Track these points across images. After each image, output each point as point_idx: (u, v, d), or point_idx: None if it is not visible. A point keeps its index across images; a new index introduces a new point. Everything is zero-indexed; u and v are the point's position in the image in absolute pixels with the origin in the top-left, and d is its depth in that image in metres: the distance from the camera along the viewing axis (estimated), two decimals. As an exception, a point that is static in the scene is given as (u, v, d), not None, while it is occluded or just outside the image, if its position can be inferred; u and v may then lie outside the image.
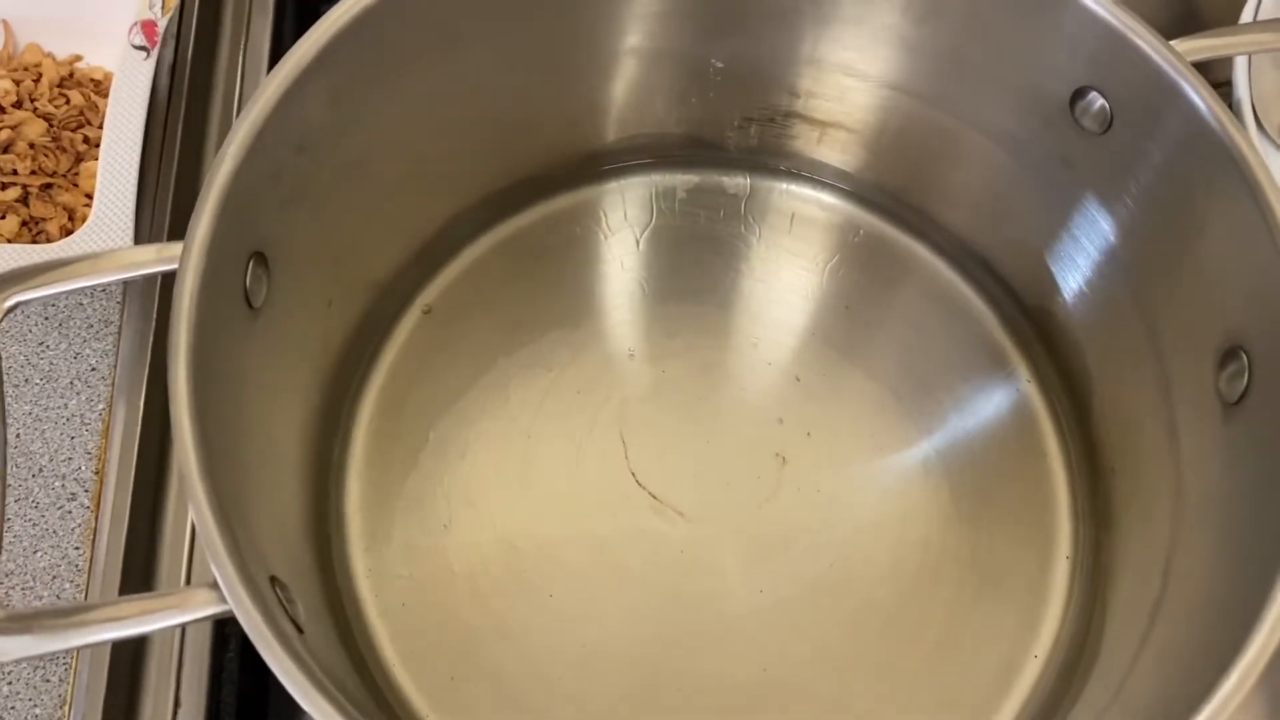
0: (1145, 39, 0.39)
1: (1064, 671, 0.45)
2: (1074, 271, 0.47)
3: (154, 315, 0.53)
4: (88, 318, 0.54)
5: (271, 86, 0.38)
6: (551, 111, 0.51)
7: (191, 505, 0.31)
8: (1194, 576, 0.39)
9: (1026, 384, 0.51)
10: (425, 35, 0.43)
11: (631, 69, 0.50)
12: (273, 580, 0.35)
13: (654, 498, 0.49)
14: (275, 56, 0.60)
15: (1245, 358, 0.38)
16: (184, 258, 0.35)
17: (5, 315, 0.35)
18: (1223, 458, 0.39)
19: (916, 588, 0.48)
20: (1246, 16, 0.58)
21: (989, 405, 0.51)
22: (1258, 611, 0.32)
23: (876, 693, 0.46)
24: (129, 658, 0.47)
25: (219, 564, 0.30)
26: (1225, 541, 0.37)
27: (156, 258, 0.36)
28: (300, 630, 0.33)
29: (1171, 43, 0.40)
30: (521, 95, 0.49)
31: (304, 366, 0.46)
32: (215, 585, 0.32)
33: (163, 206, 0.55)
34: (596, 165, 0.54)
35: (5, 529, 0.50)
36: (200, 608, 0.32)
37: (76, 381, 0.53)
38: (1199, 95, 0.37)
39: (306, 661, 0.30)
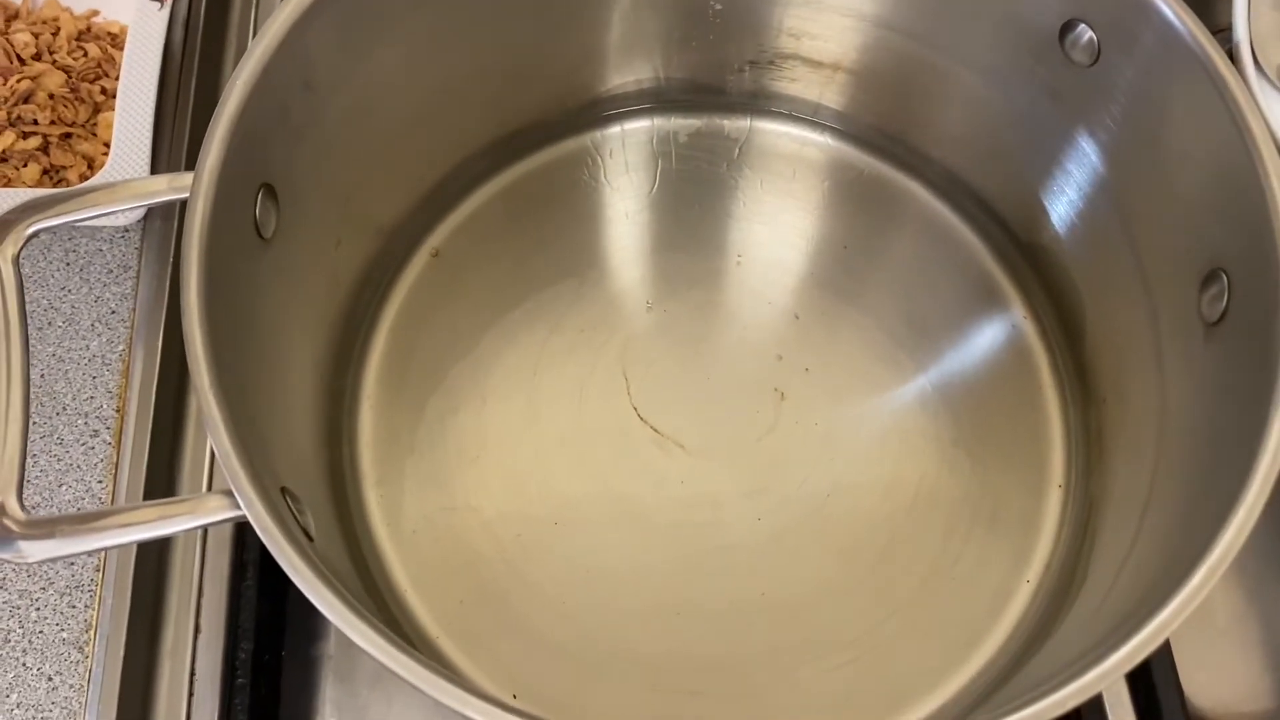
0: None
1: (1055, 595, 0.47)
2: (1065, 203, 0.48)
3: (170, 260, 0.55)
4: (107, 263, 0.55)
5: (278, 23, 0.39)
6: (552, 57, 0.52)
7: (203, 411, 0.33)
8: (1173, 494, 0.40)
9: (1021, 318, 0.52)
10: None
11: (631, 13, 0.51)
12: (284, 491, 0.36)
13: (656, 431, 0.51)
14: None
15: (1225, 279, 0.39)
16: (195, 184, 0.36)
17: (26, 242, 0.37)
18: (1202, 375, 0.40)
19: (912, 518, 0.49)
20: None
21: (984, 339, 0.52)
22: (1227, 515, 0.33)
23: (872, 617, 0.47)
24: (151, 583, 0.49)
25: (229, 468, 0.32)
26: (1202, 455, 0.38)
27: (169, 186, 0.38)
28: (310, 538, 0.35)
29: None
30: (522, 40, 0.50)
31: (314, 303, 0.47)
32: (229, 492, 0.33)
33: (178, 154, 0.56)
34: (597, 111, 0.55)
35: (31, 465, 0.52)
36: (213, 512, 0.33)
37: (97, 324, 0.54)
38: (1172, 10, 0.38)
39: (315, 561, 0.32)
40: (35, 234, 0.37)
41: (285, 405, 0.42)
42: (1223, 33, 0.53)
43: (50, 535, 0.33)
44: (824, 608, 0.47)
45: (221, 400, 0.33)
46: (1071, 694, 0.32)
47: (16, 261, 0.37)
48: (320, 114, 0.43)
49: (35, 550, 0.33)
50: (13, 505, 0.33)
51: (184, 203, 0.39)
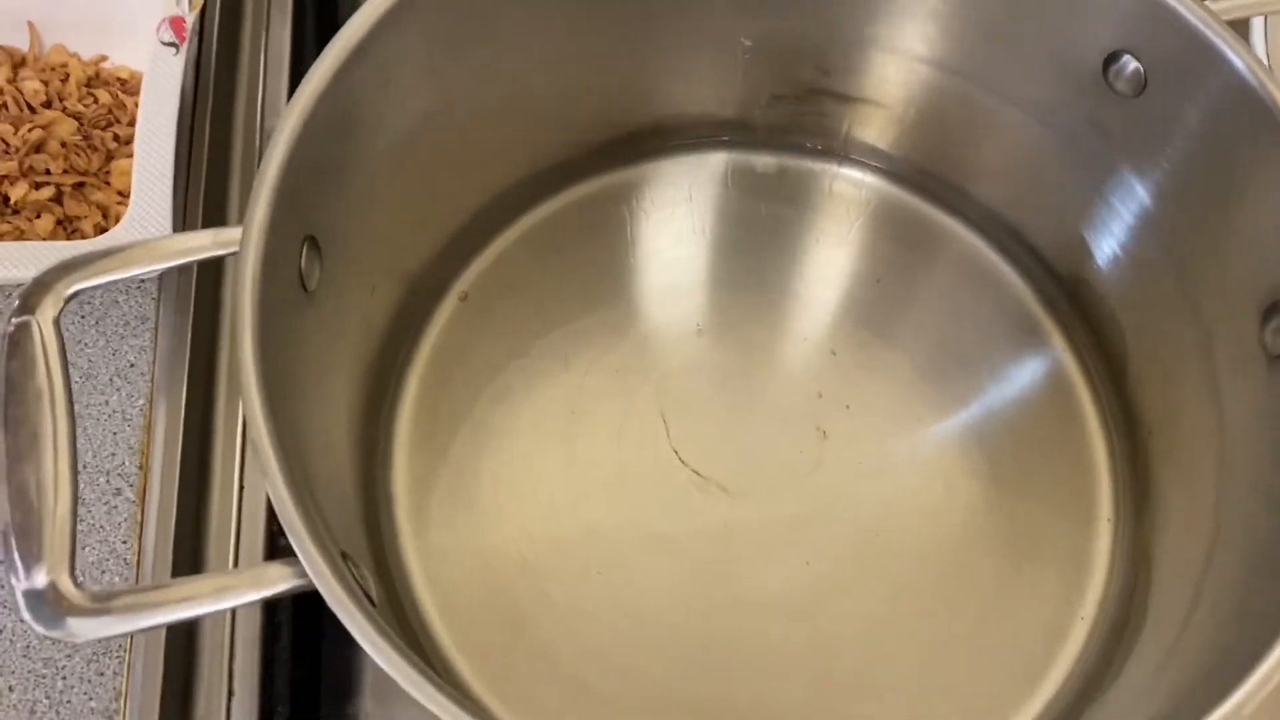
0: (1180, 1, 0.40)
1: (1112, 632, 0.46)
2: (1109, 237, 0.47)
3: (190, 310, 0.53)
4: (124, 315, 0.54)
5: (321, 69, 0.38)
6: (584, 97, 0.51)
7: (267, 481, 0.32)
8: (1245, 530, 0.39)
9: (1060, 351, 0.52)
10: (467, 22, 0.43)
11: (662, 51, 0.51)
12: (343, 555, 0.35)
13: (697, 474, 0.50)
14: (296, 49, 0.60)
15: (1290, 311, 0.39)
16: (244, 240, 0.35)
17: (66, 303, 0.36)
18: (1269, 409, 0.39)
19: (960, 556, 0.48)
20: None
21: (1024, 373, 0.52)
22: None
23: (925, 657, 0.46)
24: (181, 649, 0.48)
25: (298, 539, 0.31)
26: (1276, 493, 0.38)
27: (213, 242, 0.37)
28: (374, 604, 0.33)
29: (1205, 1, 0.40)
30: (554, 81, 0.50)
31: (350, 352, 0.46)
32: (289, 561, 0.32)
33: (195, 200, 0.55)
34: (627, 148, 0.55)
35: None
36: (277, 583, 0.32)
37: (116, 378, 0.53)
38: (1237, 55, 0.38)
39: (388, 631, 0.31)
40: (75, 294, 0.36)
41: (331, 462, 0.41)
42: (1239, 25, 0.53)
43: (105, 612, 0.31)
44: (875, 650, 0.47)
45: (285, 468, 0.32)
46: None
47: (58, 324, 0.35)
48: (358, 160, 0.42)
49: (89, 629, 0.32)
50: (65, 583, 0.32)
51: (222, 258, 0.38)
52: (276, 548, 0.50)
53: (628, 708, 0.45)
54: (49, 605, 0.32)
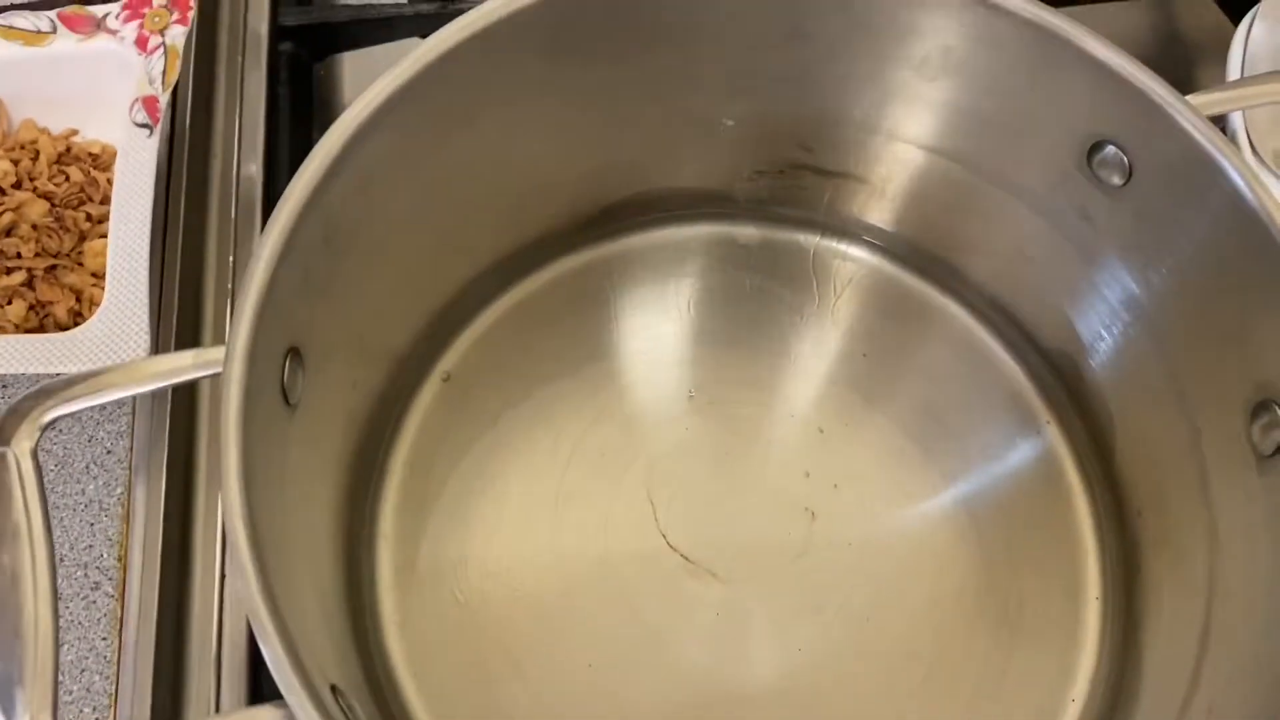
0: (1163, 97, 0.40)
1: (1104, 716, 0.46)
2: (1097, 323, 0.47)
3: (169, 395, 0.52)
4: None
5: (302, 181, 0.37)
6: (565, 176, 0.51)
7: (256, 629, 0.31)
8: (1240, 628, 0.39)
9: (1048, 427, 0.52)
10: (445, 118, 0.42)
11: (642, 130, 0.50)
12: (334, 690, 0.34)
13: (686, 559, 0.49)
14: (270, 126, 0.59)
15: (1279, 410, 0.38)
16: (228, 363, 0.34)
17: (43, 432, 0.35)
18: (1262, 506, 0.39)
19: (952, 637, 0.48)
20: (1235, 48, 0.59)
21: (1013, 452, 0.52)
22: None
23: (919, 747, 0.46)
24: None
25: (290, 689, 0.30)
26: (1273, 592, 0.38)
27: (194, 363, 0.36)
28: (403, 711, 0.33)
29: (1188, 97, 0.40)
30: (535, 163, 0.49)
31: (332, 450, 0.45)
32: (279, 704, 0.32)
33: (170, 286, 0.54)
34: (609, 223, 0.54)
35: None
36: (267, 729, 0.31)
37: (92, 466, 0.52)
38: (1229, 163, 0.38)
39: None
40: (52, 422, 0.35)
41: (315, 577, 0.40)
42: (1219, 120, 0.53)
43: (90, 762, 0.31)
44: (873, 738, 0.46)
45: (273, 612, 0.31)
46: None
47: (34, 455, 0.35)
48: (339, 265, 0.41)
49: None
50: (48, 732, 0.31)
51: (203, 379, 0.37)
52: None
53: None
54: (31, 756, 0.31)
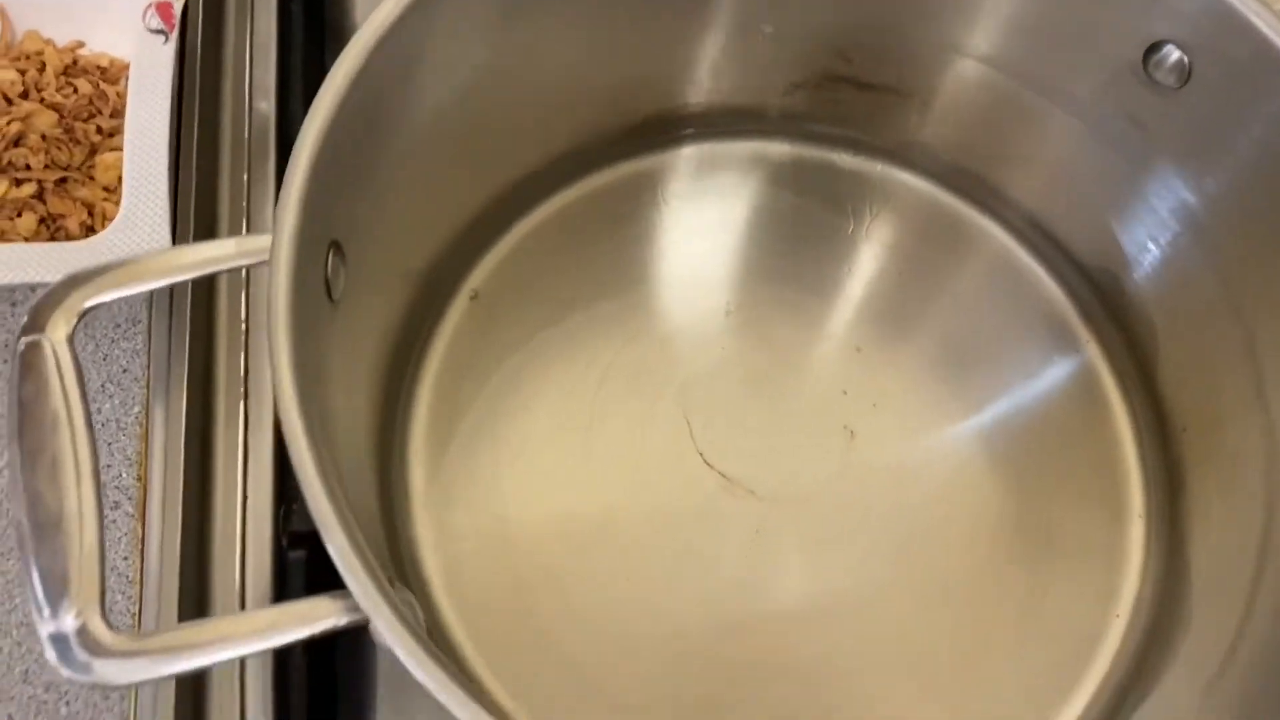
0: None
1: (1150, 634, 0.45)
2: (1144, 235, 0.46)
3: (187, 311, 0.51)
4: (114, 316, 0.51)
5: (347, 62, 0.36)
6: (600, 83, 0.49)
7: (318, 519, 0.30)
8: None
9: (1088, 346, 0.51)
10: (484, 8, 0.41)
11: (680, 36, 0.49)
12: (391, 582, 0.33)
13: (724, 477, 0.48)
14: (283, 34, 0.57)
15: (1346, 314, 0.38)
16: (275, 250, 0.33)
17: (80, 319, 0.33)
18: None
19: (993, 558, 0.47)
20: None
21: (1051, 372, 0.51)
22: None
23: (963, 664, 0.46)
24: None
25: (353, 574, 0.29)
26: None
27: (237, 251, 0.35)
28: (430, 634, 0.32)
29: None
30: (570, 67, 0.48)
31: (367, 359, 0.44)
32: (338, 594, 0.30)
33: (186, 196, 0.52)
34: (642, 137, 0.53)
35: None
36: (326, 619, 0.30)
37: (109, 384, 0.50)
38: (1269, 26, 0.37)
39: (448, 665, 0.29)
40: (89, 310, 0.33)
41: (359, 481, 0.39)
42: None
43: (142, 654, 0.29)
44: (916, 656, 0.46)
45: (334, 500, 0.30)
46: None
47: (71, 342, 0.33)
48: (377, 159, 0.40)
49: (123, 673, 0.29)
50: (97, 624, 0.30)
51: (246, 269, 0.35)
52: (285, 561, 0.48)
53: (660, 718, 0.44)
54: (79, 648, 0.29)
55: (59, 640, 0.29)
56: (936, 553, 0.47)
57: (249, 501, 0.49)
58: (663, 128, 0.53)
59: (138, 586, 0.46)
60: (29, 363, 0.32)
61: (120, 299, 0.33)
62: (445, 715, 0.45)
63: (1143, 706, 0.43)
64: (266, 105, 0.56)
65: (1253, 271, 0.42)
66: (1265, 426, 0.42)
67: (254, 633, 0.30)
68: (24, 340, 0.32)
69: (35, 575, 0.30)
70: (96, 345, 0.51)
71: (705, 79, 0.51)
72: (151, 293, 0.51)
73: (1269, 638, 0.38)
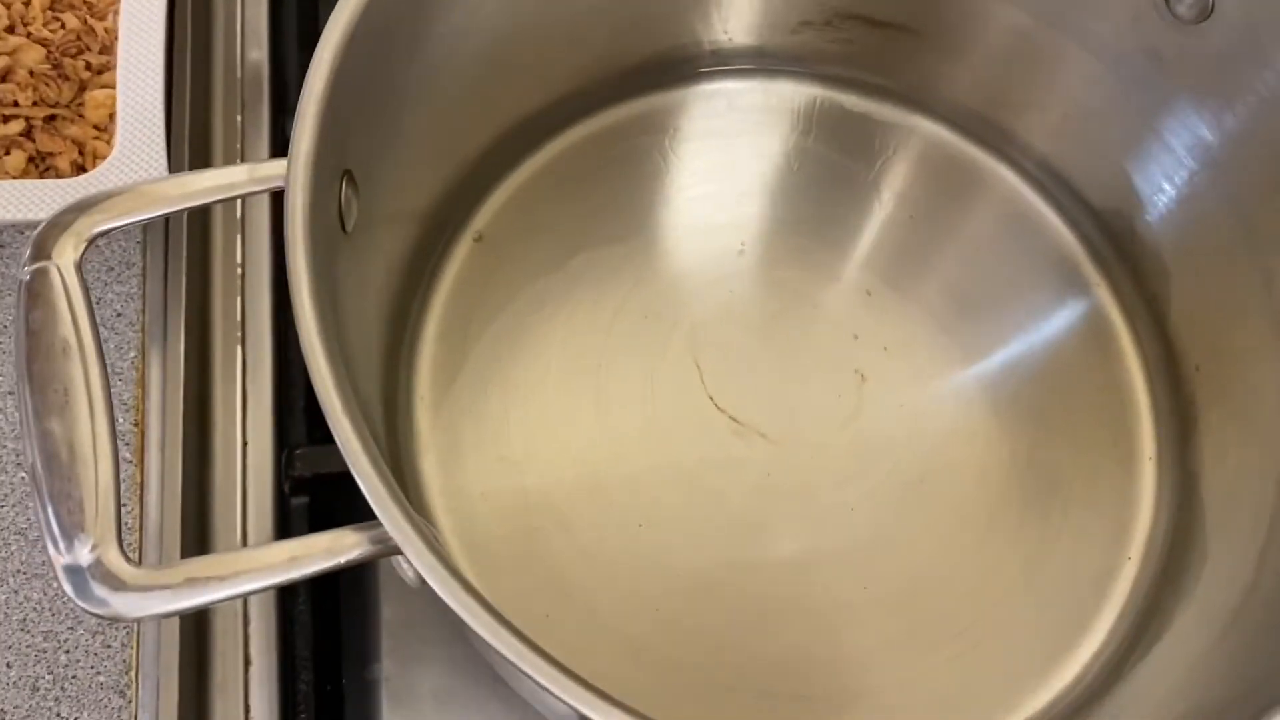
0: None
1: (1163, 575, 0.45)
2: (1159, 175, 0.46)
3: (183, 253, 0.49)
4: (106, 260, 0.50)
5: (359, -12, 0.34)
6: (606, 19, 0.48)
7: (345, 449, 0.29)
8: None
9: (1098, 289, 0.51)
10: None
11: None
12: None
13: (734, 420, 0.48)
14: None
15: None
16: (290, 174, 0.32)
17: (89, 245, 0.32)
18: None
19: (1005, 500, 0.47)
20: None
21: (1062, 314, 0.51)
22: None
23: (979, 604, 0.45)
24: (193, 618, 0.45)
25: (383, 506, 0.28)
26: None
27: (249, 178, 0.33)
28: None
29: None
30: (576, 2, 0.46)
31: (374, 298, 0.43)
32: (363, 526, 0.30)
33: (179, 134, 0.51)
34: (649, 77, 0.52)
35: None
36: (352, 549, 0.29)
37: (102, 328, 0.49)
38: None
39: (482, 595, 0.28)
40: (98, 235, 0.32)
41: (369, 422, 0.38)
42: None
43: (162, 587, 0.28)
44: (929, 598, 0.45)
45: (358, 427, 0.29)
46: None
47: (79, 269, 0.32)
48: (388, 91, 0.39)
49: (142, 606, 0.29)
50: (113, 557, 0.29)
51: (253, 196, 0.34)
52: (287, 506, 0.47)
53: (674, 661, 0.44)
54: (96, 581, 0.28)
55: (75, 573, 0.29)
56: (946, 496, 0.47)
57: (249, 448, 0.48)
58: (671, 66, 0.52)
59: (137, 534, 0.45)
60: (36, 291, 0.31)
61: (123, 227, 0.31)
62: (448, 662, 0.45)
63: (1156, 647, 0.43)
64: (259, 49, 0.55)
65: (1272, 208, 0.42)
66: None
67: (277, 564, 0.29)
68: (29, 269, 0.31)
69: (49, 507, 0.29)
70: (90, 288, 0.50)
71: (715, 16, 0.50)
72: (145, 236, 0.50)
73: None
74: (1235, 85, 0.42)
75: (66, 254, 0.31)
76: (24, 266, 0.31)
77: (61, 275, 0.31)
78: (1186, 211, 0.46)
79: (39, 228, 0.32)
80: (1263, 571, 0.39)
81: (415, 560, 0.28)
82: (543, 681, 0.27)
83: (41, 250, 0.31)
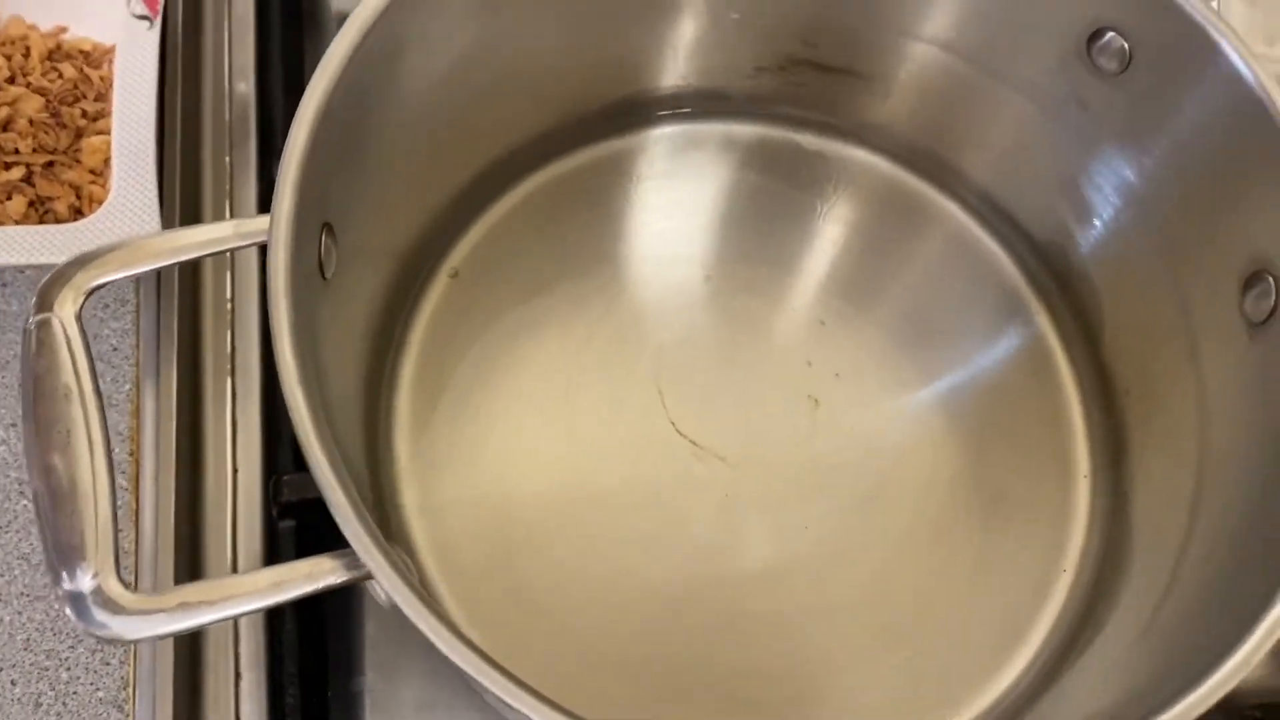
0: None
1: (1095, 586, 0.48)
2: (1088, 211, 0.49)
3: (175, 293, 0.52)
4: (102, 297, 0.53)
5: (342, 44, 0.37)
6: (572, 68, 0.51)
7: (320, 480, 0.32)
8: (1231, 500, 0.42)
9: (1038, 317, 0.54)
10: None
11: (648, 21, 0.51)
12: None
13: (695, 445, 0.51)
14: (261, 16, 0.59)
15: (1271, 280, 0.41)
16: (273, 231, 0.35)
17: (87, 298, 0.35)
18: (1251, 375, 0.42)
19: (951, 514, 0.50)
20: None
21: (1003, 341, 0.54)
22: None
23: (923, 613, 0.48)
24: (187, 636, 0.47)
25: (355, 533, 0.31)
26: (1261, 461, 0.40)
27: (235, 233, 0.36)
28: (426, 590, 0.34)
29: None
30: (544, 53, 0.50)
31: (354, 336, 0.46)
32: (339, 553, 0.32)
33: (170, 179, 0.54)
34: (611, 121, 0.55)
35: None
36: (329, 575, 0.32)
37: (99, 362, 0.51)
38: (1232, 48, 0.39)
39: (450, 620, 0.31)
40: (95, 290, 0.35)
41: (349, 452, 0.41)
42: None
43: (157, 611, 0.31)
44: (876, 608, 0.48)
45: (333, 460, 0.32)
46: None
47: (79, 319, 0.35)
48: (366, 141, 0.42)
49: (139, 629, 0.31)
50: (112, 584, 0.32)
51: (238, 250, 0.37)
52: (275, 529, 0.50)
53: (640, 671, 0.47)
54: (97, 606, 0.31)
55: (77, 599, 0.31)
56: (895, 512, 0.50)
57: (239, 474, 0.50)
58: (633, 110, 0.55)
59: (133, 558, 0.48)
60: (41, 340, 0.34)
61: (118, 281, 0.34)
62: (429, 675, 0.48)
63: (1088, 652, 0.46)
64: (246, 87, 0.58)
65: (1189, 242, 0.45)
66: (1197, 387, 0.45)
67: (262, 589, 0.32)
68: (34, 319, 0.34)
69: (53, 538, 0.32)
70: (86, 324, 0.52)
71: (675, 63, 0.53)
72: (139, 275, 0.53)
73: (1194, 587, 0.41)
74: (1152, 129, 0.45)
75: (67, 306, 0.34)
76: (29, 318, 0.34)
77: (63, 326, 0.34)
78: (1114, 245, 0.49)
79: (42, 281, 0.35)
80: (1174, 585, 0.42)
81: (385, 584, 0.31)
82: (498, 693, 0.30)
83: (44, 303, 0.34)
